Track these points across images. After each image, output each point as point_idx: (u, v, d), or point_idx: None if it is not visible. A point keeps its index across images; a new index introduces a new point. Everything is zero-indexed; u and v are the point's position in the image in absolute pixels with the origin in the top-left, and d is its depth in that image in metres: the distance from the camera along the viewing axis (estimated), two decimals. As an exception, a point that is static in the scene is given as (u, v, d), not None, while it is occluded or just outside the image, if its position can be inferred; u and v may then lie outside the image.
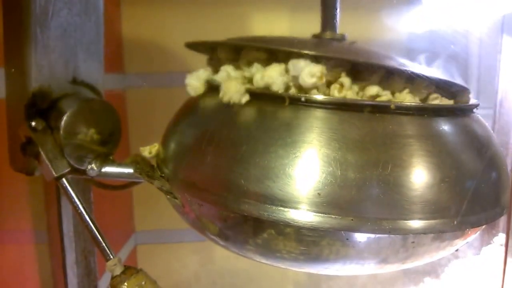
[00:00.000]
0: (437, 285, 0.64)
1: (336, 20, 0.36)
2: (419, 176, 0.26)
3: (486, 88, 0.71)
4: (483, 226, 0.32)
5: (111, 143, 0.37)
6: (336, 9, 0.36)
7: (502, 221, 0.67)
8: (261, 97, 0.29)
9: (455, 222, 0.28)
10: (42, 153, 0.33)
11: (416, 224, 0.27)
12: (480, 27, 0.67)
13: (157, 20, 0.68)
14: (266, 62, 0.30)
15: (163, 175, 0.32)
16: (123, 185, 0.41)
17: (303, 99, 0.28)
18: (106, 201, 0.60)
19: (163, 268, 0.76)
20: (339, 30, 0.37)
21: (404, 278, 0.67)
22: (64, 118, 0.33)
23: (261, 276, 0.78)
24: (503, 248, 0.65)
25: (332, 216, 0.26)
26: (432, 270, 0.65)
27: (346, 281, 0.74)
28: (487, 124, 0.34)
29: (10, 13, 0.33)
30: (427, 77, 0.30)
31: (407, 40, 0.68)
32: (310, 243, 0.28)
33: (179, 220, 0.78)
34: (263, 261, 0.31)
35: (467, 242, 0.33)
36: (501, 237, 0.65)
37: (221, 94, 0.30)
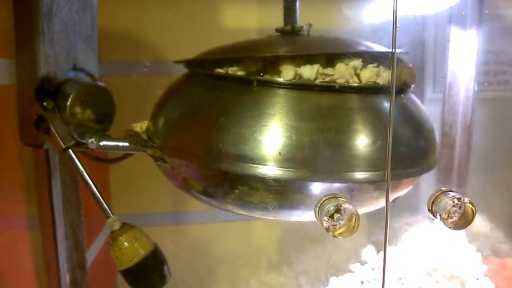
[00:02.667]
0: (395, 252, 0.75)
1: (296, 14, 0.46)
2: (356, 138, 0.37)
3: (441, 74, 0.82)
4: (415, 180, 0.43)
5: (106, 121, 0.46)
6: (296, 4, 0.46)
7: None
8: (235, 80, 0.40)
9: (387, 174, 0.38)
10: (52, 128, 0.42)
11: (356, 175, 0.37)
12: (433, 17, 0.78)
13: (131, 11, 0.74)
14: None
15: (154, 144, 0.42)
16: (117, 158, 0.50)
17: (268, 81, 0.38)
18: (85, 187, 0.68)
19: (141, 249, 0.84)
20: (303, 21, 0.47)
21: (366, 247, 0.78)
22: (70, 99, 0.42)
23: (234, 255, 0.86)
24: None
25: (290, 169, 0.36)
26: (391, 239, 0.77)
27: (315, 254, 0.84)
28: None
29: (21, 11, 0.42)
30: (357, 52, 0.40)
31: (367, 31, 0.78)
32: (276, 193, 0.38)
33: (156, 205, 0.87)
34: (240, 212, 0.41)
35: (402, 194, 0.44)
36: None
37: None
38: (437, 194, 0.34)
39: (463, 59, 0.74)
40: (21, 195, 0.56)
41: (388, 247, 0.76)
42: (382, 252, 0.76)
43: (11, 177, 0.54)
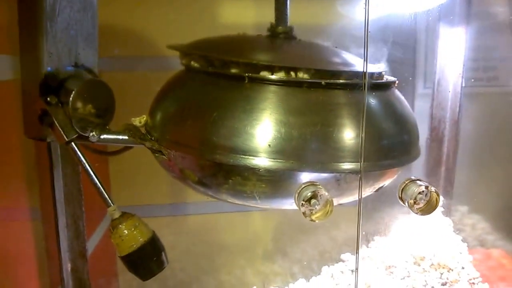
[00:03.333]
0: (384, 242, 0.78)
1: (287, 15, 0.49)
2: (341, 131, 0.40)
3: (431, 70, 0.85)
4: (399, 170, 0.45)
5: (107, 116, 0.49)
6: (287, 5, 0.49)
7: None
8: (228, 76, 0.42)
9: (371, 165, 0.41)
10: (55, 122, 0.45)
11: (341, 166, 0.40)
12: (424, 15, 0.80)
13: (129, 7, 0.76)
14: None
15: (152, 138, 0.45)
16: (117, 151, 0.52)
17: (259, 77, 0.41)
18: (85, 179, 0.70)
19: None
20: (295, 17, 0.49)
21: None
22: (72, 94, 0.45)
23: (232, 245, 0.89)
24: (441, 209, 0.80)
25: (279, 160, 0.39)
26: (381, 230, 0.79)
27: (310, 244, 0.87)
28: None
29: (26, 11, 0.45)
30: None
31: (360, 27, 0.80)
32: (266, 182, 0.40)
33: (154, 197, 0.89)
34: (235, 201, 0.44)
35: (385, 185, 0.46)
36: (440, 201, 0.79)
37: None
38: (406, 182, 0.37)
39: (452, 56, 0.76)
40: (24, 187, 0.58)
41: (377, 237, 0.79)
42: (372, 242, 0.79)
43: (14, 170, 0.56)
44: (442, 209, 0.79)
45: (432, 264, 0.72)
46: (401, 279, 0.71)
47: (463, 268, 0.72)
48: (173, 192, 0.88)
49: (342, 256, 0.78)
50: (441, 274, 0.71)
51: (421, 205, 0.36)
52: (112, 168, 0.83)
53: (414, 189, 0.36)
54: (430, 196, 0.36)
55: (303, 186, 0.34)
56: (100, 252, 0.76)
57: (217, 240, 0.89)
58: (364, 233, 0.80)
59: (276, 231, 0.92)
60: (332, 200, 0.33)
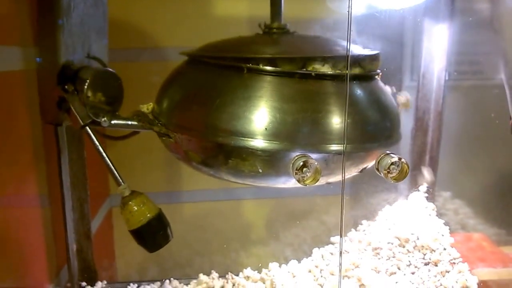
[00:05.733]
0: (373, 226, 0.84)
1: (281, 13, 0.55)
2: (329, 117, 0.46)
3: (418, 64, 0.91)
4: (380, 153, 0.52)
5: (116, 103, 0.55)
6: (281, 4, 0.55)
7: (426, 172, 0.88)
8: (228, 67, 0.48)
9: (356, 147, 0.48)
10: (72, 108, 0.51)
11: (329, 147, 0.46)
12: (411, 11, 0.87)
13: (135, 3, 0.82)
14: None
15: (160, 123, 0.51)
16: (125, 135, 0.58)
17: (256, 68, 0.47)
18: (90, 164, 0.71)
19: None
20: (288, 12, 0.55)
21: (346, 222, 0.88)
22: (87, 83, 0.51)
23: (226, 231, 0.95)
24: (426, 195, 0.86)
25: (274, 142, 0.45)
26: (369, 214, 0.86)
27: (301, 229, 0.93)
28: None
29: (44, 7, 0.51)
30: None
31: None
32: (263, 162, 0.47)
33: (150, 185, 0.95)
34: (234, 180, 0.50)
35: (368, 166, 0.53)
36: (424, 186, 0.86)
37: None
38: (381, 155, 0.44)
39: (436, 50, 0.83)
40: (32, 172, 0.62)
41: (365, 221, 0.85)
42: (360, 226, 0.86)
43: (24, 156, 0.60)
44: (426, 194, 0.86)
45: (416, 246, 0.78)
46: (387, 259, 0.77)
47: (444, 249, 0.78)
48: (168, 180, 0.94)
49: (332, 239, 0.84)
50: (424, 255, 0.77)
51: (394, 174, 0.43)
52: (111, 156, 0.88)
53: (388, 161, 0.43)
54: (401, 166, 0.42)
55: (296, 157, 0.41)
56: (101, 233, 0.82)
57: (212, 226, 0.95)
58: (353, 217, 0.87)
59: (269, 218, 0.98)
60: (320, 168, 0.40)
